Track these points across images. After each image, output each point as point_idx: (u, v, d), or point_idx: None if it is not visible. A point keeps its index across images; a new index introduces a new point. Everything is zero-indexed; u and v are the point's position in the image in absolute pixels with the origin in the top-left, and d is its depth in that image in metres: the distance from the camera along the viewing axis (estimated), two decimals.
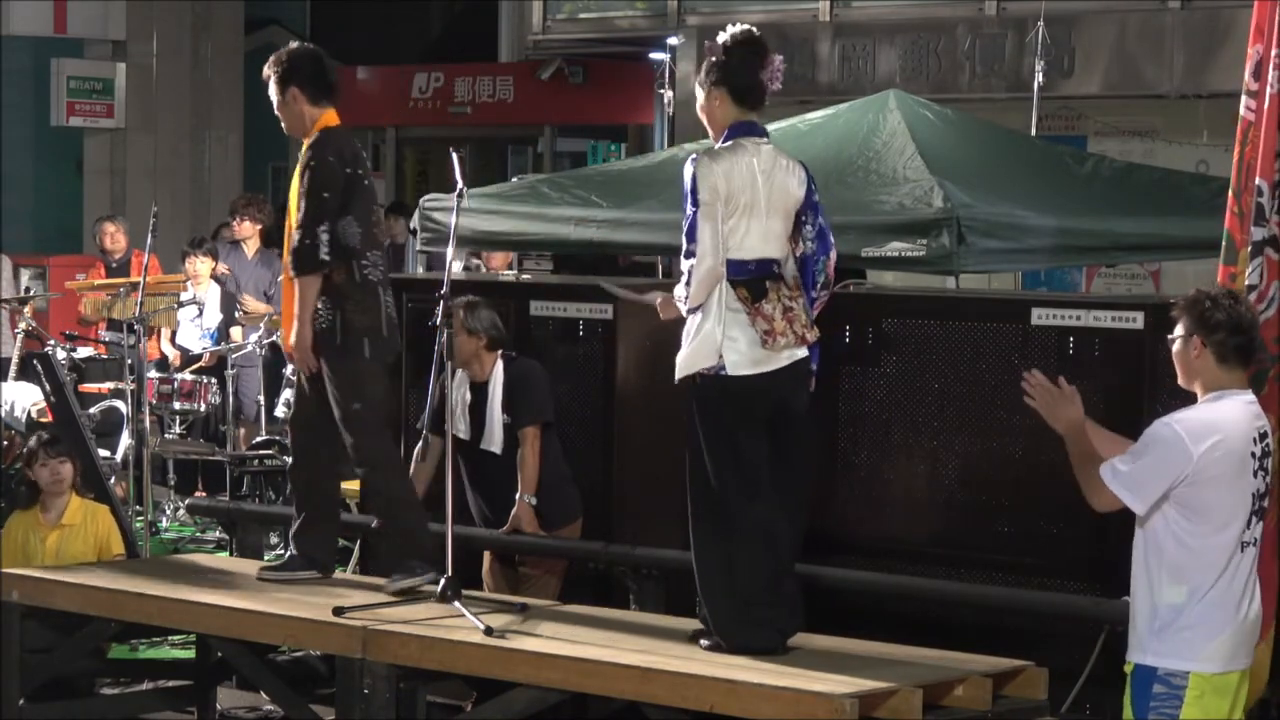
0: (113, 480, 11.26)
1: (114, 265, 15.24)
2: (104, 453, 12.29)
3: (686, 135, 15.19)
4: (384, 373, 7.93)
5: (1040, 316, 8.12)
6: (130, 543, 9.80)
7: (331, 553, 8.17)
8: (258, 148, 22.26)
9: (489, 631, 7.00)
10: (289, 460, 8.72)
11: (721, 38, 6.92)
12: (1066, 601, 7.77)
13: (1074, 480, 5.98)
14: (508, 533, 8.73)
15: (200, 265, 14.43)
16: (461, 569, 7.54)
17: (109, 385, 13.88)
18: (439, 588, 7.39)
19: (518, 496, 8.70)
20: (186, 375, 13.68)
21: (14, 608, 8.08)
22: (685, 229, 6.76)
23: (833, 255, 6.97)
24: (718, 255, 6.72)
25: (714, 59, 6.89)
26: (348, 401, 7.75)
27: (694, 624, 7.02)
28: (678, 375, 6.84)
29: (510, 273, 11.92)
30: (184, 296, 14.21)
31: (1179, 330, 5.99)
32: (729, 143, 6.86)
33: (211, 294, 14.42)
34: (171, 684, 9.09)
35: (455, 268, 8.32)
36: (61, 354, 13.28)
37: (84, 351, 14.48)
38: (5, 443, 11.70)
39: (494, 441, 8.78)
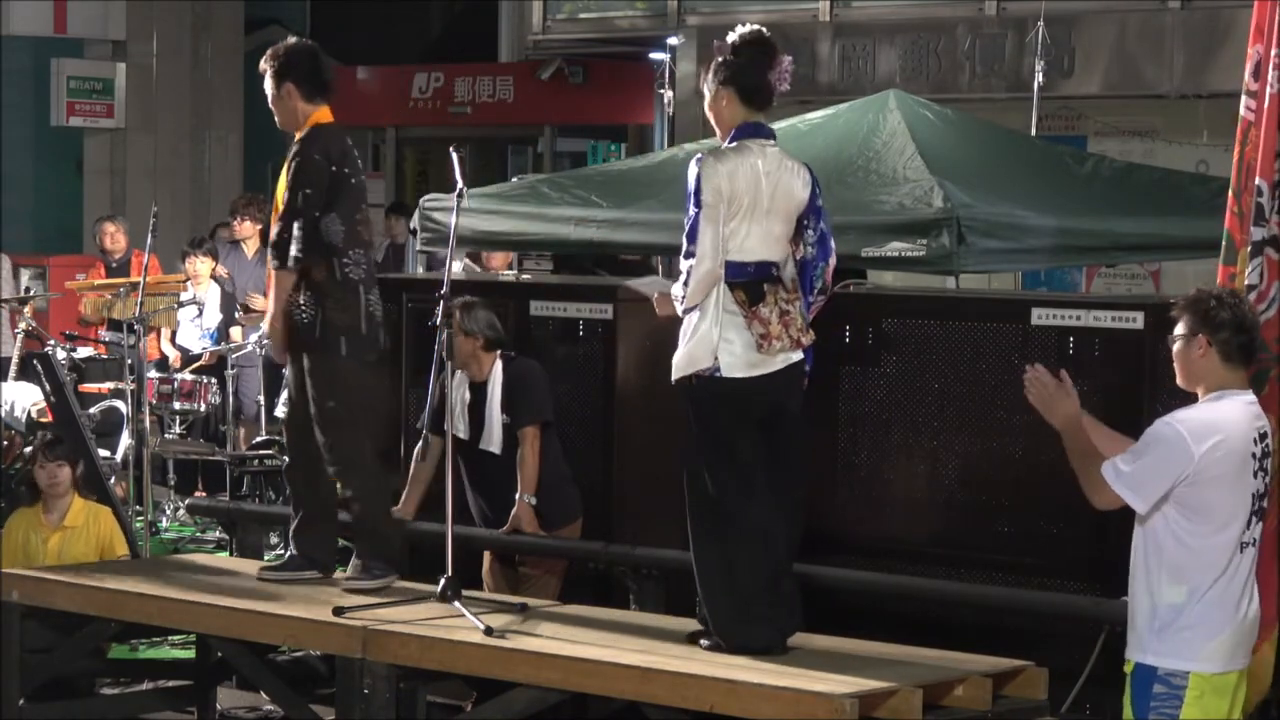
0: (113, 480, 11.27)
1: (114, 265, 15.24)
2: (104, 453, 12.29)
3: (686, 135, 15.21)
4: (366, 372, 7.94)
5: (1040, 316, 8.12)
6: (130, 543, 9.80)
7: (331, 553, 8.17)
8: (258, 148, 22.24)
9: (489, 631, 7.00)
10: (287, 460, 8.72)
11: (731, 37, 6.92)
12: (1066, 601, 7.77)
13: (1074, 480, 5.98)
14: (508, 533, 8.73)
15: (200, 265, 14.44)
16: (461, 569, 7.54)
17: (109, 385, 13.88)
18: (439, 588, 7.39)
19: (518, 496, 8.69)
20: (186, 375, 13.68)
21: (14, 608, 8.08)
22: (687, 229, 6.76)
23: (832, 261, 6.97)
24: (717, 258, 6.71)
25: (722, 58, 6.89)
26: (323, 399, 7.78)
27: (694, 624, 7.03)
28: (674, 376, 6.84)
29: (510, 273, 11.92)
30: (184, 296, 14.21)
31: (1181, 329, 5.98)
32: (734, 144, 6.86)
33: (211, 294, 14.43)
34: (171, 684, 9.09)
35: (456, 268, 8.33)
36: (61, 354, 13.28)
37: (84, 351, 14.47)
38: (5, 443, 11.71)
39: (493, 441, 8.78)
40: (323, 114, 7.88)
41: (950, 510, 8.34)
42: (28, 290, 15.46)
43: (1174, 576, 5.88)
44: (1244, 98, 6.93)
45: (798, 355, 6.87)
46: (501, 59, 21.38)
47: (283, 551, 9.16)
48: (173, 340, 14.55)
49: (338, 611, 7.27)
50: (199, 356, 14.11)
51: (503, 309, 9.04)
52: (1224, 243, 6.97)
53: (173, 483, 13.46)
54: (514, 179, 13.44)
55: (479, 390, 8.81)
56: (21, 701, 8.11)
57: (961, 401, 8.31)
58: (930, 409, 8.41)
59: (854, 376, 8.56)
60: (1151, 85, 15.02)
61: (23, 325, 13.62)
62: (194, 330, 14.51)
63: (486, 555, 9.01)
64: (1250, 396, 6.00)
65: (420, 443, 8.85)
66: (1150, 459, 5.84)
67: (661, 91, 17.10)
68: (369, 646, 7.08)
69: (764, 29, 6.94)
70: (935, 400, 8.39)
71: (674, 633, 7.12)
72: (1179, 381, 6.06)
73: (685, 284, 6.75)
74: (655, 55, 17.57)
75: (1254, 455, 5.91)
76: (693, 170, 6.77)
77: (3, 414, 12.70)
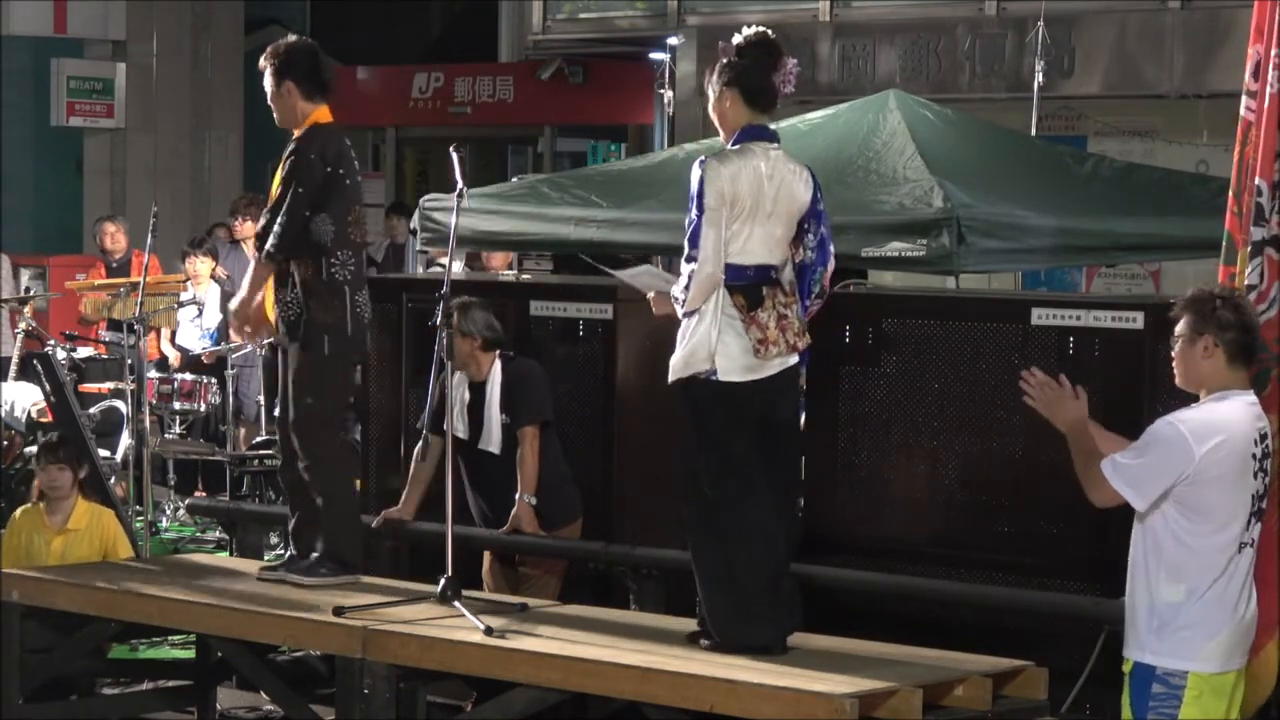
0: (113, 480, 11.27)
1: (114, 265, 15.25)
2: (104, 453, 12.30)
3: (686, 135, 15.20)
4: (349, 372, 7.98)
5: (1040, 316, 8.12)
6: (131, 543, 9.80)
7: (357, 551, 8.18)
8: (258, 148, 22.22)
9: (489, 631, 7.01)
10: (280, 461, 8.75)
11: (736, 38, 6.91)
12: (1066, 601, 7.77)
13: (1074, 480, 5.98)
14: (508, 533, 8.73)
15: (200, 265, 14.45)
16: (461, 569, 7.54)
17: (109, 385, 13.89)
18: (439, 588, 7.40)
19: (517, 496, 8.69)
20: (186, 375, 13.68)
21: (14, 608, 8.09)
22: (689, 232, 6.75)
23: (831, 266, 6.97)
24: (718, 262, 6.71)
25: (727, 59, 6.88)
26: (301, 395, 7.84)
27: (694, 624, 7.02)
28: (671, 377, 6.84)
29: (510, 273, 11.92)
30: (184, 296, 14.22)
31: (1183, 330, 5.97)
32: (737, 146, 6.85)
33: (211, 294, 14.43)
34: (171, 684, 9.09)
35: (456, 268, 8.33)
36: (61, 354, 13.28)
37: (84, 351, 14.48)
38: (5, 443, 11.71)
39: (492, 441, 8.78)
40: (322, 113, 7.90)
41: (950, 510, 8.34)
42: (28, 290, 15.46)
43: (1173, 575, 5.88)
44: (1244, 98, 6.92)
45: (794, 359, 6.88)
46: (501, 59, 21.38)
47: (283, 551, 9.17)
48: (173, 340, 14.56)
49: (338, 611, 7.28)
50: (199, 356, 14.12)
51: (503, 309, 9.04)
52: (1224, 243, 6.96)
53: (173, 483, 13.47)
54: (514, 179, 13.43)
55: (478, 390, 8.81)
56: (21, 701, 8.11)
57: (961, 401, 8.31)
58: (930, 409, 8.40)
59: (854, 376, 8.56)
60: (1151, 85, 15.01)
61: (23, 325, 13.63)
62: (194, 330, 14.52)
63: (486, 555, 9.01)
64: (1252, 397, 6.00)
65: (420, 443, 8.85)
66: (1151, 457, 5.84)
67: (661, 91, 17.09)
68: (369, 646, 7.09)
69: (769, 31, 6.92)
70: (935, 400, 8.39)
71: (674, 633, 7.12)
72: (1179, 382, 6.05)
73: (686, 287, 6.75)
74: (655, 55, 17.57)
75: (1254, 456, 5.91)
76: (695, 173, 6.76)
77: (3, 414, 12.71)
